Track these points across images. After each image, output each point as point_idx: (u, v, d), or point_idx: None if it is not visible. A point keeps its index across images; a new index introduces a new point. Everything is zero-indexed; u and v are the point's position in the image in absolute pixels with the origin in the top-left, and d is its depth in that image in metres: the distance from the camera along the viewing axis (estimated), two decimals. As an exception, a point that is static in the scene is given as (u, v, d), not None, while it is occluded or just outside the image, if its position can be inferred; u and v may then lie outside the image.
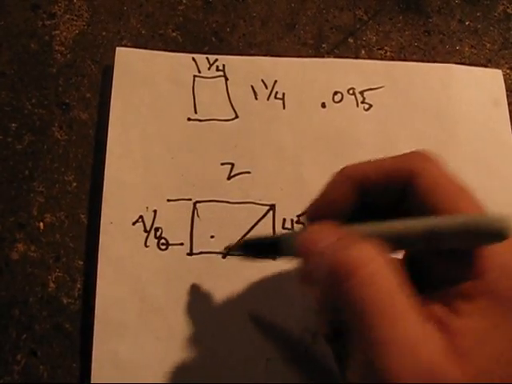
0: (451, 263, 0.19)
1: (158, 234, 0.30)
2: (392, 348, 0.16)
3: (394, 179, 0.21)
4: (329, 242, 0.19)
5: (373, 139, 0.33)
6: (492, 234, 0.17)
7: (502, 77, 0.35)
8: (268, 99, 0.33)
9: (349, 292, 0.17)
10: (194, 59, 0.34)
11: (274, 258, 0.27)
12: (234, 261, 0.30)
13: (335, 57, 0.35)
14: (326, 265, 0.18)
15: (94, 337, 0.28)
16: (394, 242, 0.20)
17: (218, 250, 0.30)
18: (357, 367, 0.18)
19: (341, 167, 0.23)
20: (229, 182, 0.32)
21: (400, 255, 0.22)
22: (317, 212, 0.23)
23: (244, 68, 0.34)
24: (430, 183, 0.20)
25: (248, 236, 0.30)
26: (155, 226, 0.30)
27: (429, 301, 0.19)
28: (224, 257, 0.30)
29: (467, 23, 0.37)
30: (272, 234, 0.30)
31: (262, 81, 0.34)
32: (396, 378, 0.16)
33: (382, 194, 0.21)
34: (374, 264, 0.18)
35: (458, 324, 0.18)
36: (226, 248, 0.29)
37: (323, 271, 0.18)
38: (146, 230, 0.30)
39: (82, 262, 0.30)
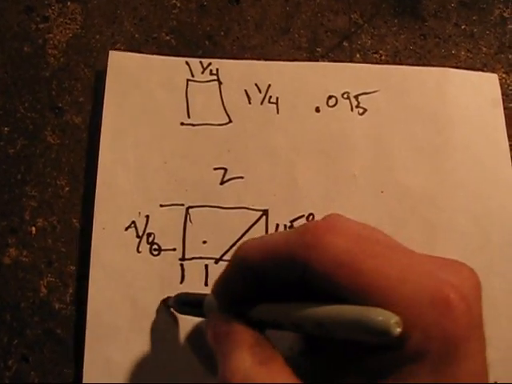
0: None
1: (151, 239, 0.30)
2: None
3: (286, 267, 0.19)
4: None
5: (367, 144, 0.33)
6: (376, 331, 0.15)
7: (497, 81, 0.35)
8: (262, 103, 0.33)
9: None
10: (187, 63, 0.34)
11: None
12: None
13: (330, 61, 0.35)
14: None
15: (86, 342, 0.28)
16: (293, 327, 0.19)
17: (210, 256, 0.30)
18: None
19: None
20: (222, 187, 0.31)
21: None
22: (222, 290, 0.22)
23: (238, 72, 0.34)
24: (325, 268, 0.17)
25: (181, 292, 0.28)
26: (147, 231, 0.30)
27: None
28: (216, 262, 0.30)
29: (463, 27, 0.36)
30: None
31: (256, 85, 0.33)
32: None
33: (280, 276, 0.19)
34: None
35: None
36: (162, 301, 0.29)
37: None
38: (138, 236, 0.30)
39: (74, 267, 0.30)
